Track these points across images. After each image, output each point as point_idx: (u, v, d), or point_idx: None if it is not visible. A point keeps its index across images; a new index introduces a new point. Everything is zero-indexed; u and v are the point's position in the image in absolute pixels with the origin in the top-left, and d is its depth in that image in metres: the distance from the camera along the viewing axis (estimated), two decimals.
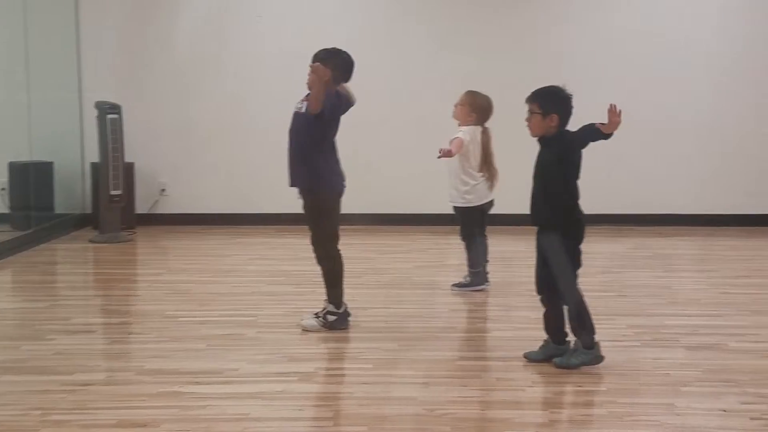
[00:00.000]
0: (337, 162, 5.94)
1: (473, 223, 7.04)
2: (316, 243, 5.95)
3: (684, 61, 10.13)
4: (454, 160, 6.84)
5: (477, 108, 6.93)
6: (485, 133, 6.97)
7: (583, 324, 5.08)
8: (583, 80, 9.92)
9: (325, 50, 5.90)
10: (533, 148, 5.35)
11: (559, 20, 10.19)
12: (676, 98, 10.13)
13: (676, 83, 10.13)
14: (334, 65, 5.80)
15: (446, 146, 6.75)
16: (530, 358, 5.26)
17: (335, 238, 5.96)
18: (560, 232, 5.04)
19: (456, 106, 7.03)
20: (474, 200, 6.97)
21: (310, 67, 5.70)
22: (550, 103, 5.01)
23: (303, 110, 5.83)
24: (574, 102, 5.07)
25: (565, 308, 5.13)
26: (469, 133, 6.86)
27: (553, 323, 5.22)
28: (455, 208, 7.06)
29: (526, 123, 5.12)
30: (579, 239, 5.09)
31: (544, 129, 5.03)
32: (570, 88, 5.09)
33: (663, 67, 10.13)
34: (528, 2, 10.18)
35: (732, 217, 10.15)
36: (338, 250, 5.98)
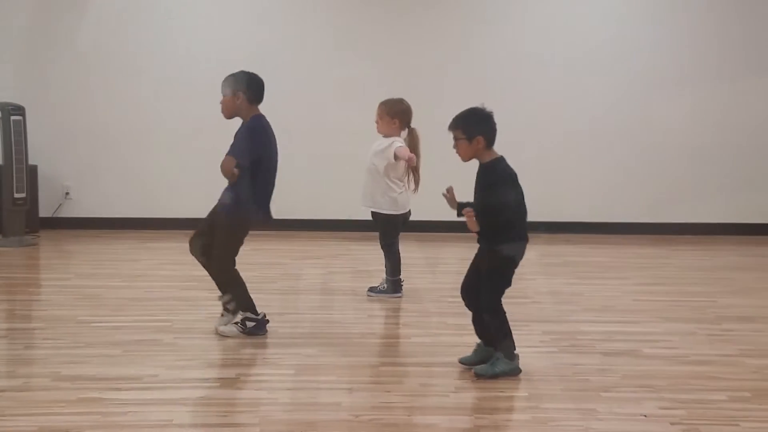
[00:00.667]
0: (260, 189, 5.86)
1: (395, 231, 7.05)
2: (215, 258, 5.88)
3: (591, 71, 10.31)
4: (379, 168, 6.84)
5: (396, 113, 6.90)
6: (412, 134, 6.98)
7: (504, 335, 5.12)
8: (494, 84, 10.17)
9: (233, 75, 5.83)
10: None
11: (473, 25, 10.27)
12: (583, 108, 10.30)
13: (587, 93, 10.30)
14: (246, 87, 5.77)
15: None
16: (465, 362, 5.27)
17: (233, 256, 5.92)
18: (505, 250, 5.06)
19: (376, 122, 6.99)
20: (400, 208, 6.99)
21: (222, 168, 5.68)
22: (472, 125, 5.00)
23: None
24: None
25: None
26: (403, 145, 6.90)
27: (482, 326, 5.24)
28: (377, 215, 7.03)
29: (454, 150, 5.08)
30: (519, 258, 5.12)
31: (473, 152, 5.03)
32: (488, 105, 5.08)
33: (571, 77, 10.30)
34: (444, 6, 10.23)
35: (637, 225, 10.37)
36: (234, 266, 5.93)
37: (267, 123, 5.85)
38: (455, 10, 10.23)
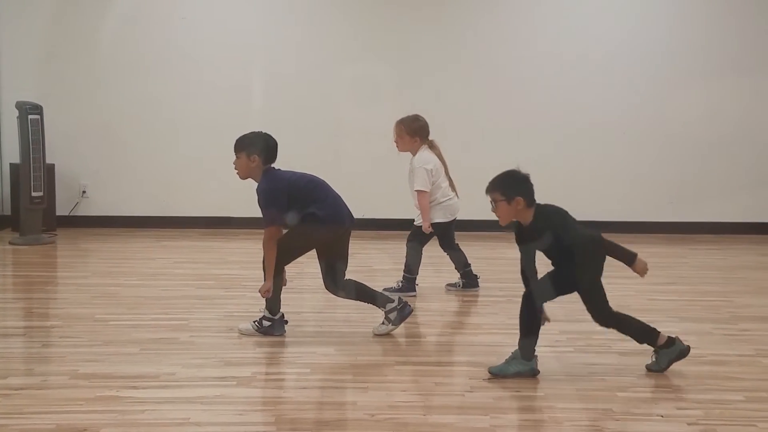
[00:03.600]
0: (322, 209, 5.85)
1: (426, 238, 7.16)
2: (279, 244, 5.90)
3: (606, 70, 10.30)
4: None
5: (414, 131, 7.01)
6: (435, 147, 7.09)
7: (527, 335, 5.14)
8: (509, 84, 10.18)
9: (248, 138, 5.81)
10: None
11: (489, 24, 10.29)
12: (598, 107, 10.30)
13: (602, 92, 10.30)
14: (261, 150, 5.75)
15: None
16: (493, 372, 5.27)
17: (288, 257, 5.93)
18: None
19: (396, 141, 7.07)
20: (446, 214, 7.13)
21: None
22: (511, 188, 4.97)
23: None
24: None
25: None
26: (425, 165, 6.96)
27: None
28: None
29: (492, 212, 5.06)
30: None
31: (513, 213, 5.00)
32: (524, 168, 5.05)
33: (587, 76, 10.29)
34: (458, 5, 10.24)
35: (652, 224, 10.35)
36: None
37: (275, 173, 5.82)
38: (470, 9, 10.22)
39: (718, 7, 10.33)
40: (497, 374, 5.07)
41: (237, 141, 5.80)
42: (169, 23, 10.18)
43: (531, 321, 5.13)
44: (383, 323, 5.97)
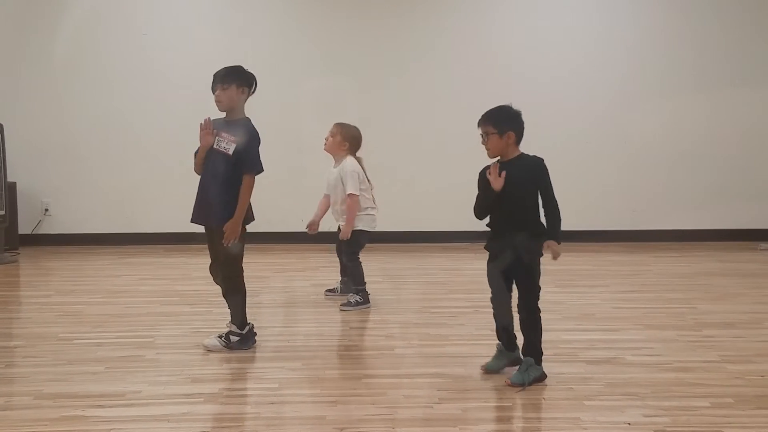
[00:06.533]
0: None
1: (360, 246, 7.22)
2: (226, 264, 5.88)
3: (570, 82, 10.38)
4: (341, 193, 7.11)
5: (348, 138, 7.15)
6: (360, 162, 7.20)
7: (538, 337, 5.17)
8: (472, 101, 10.18)
9: (242, 70, 5.90)
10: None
11: (441, 39, 10.33)
12: (561, 118, 10.36)
13: (567, 102, 10.37)
14: (250, 85, 5.87)
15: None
16: (488, 369, 5.33)
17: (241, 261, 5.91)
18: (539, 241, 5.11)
19: (327, 138, 7.18)
20: (370, 224, 7.20)
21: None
22: (504, 121, 5.11)
23: (230, 152, 5.74)
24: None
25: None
26: (356, 170, 7.09)
27: (509, 332, 5.30)
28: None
29: (483, 145, 5.18)
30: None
31: (502, 148, 5.12)
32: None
33: (551, 88, 10.36)
34: (423, 22, 10.29)
35: (616, 233, 10.42)
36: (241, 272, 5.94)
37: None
38: (431, 26, 10.28)
39: (680, 25, 10.47)
40: (517, 384, 5.06)
41: (230, 72, 5.85)
42: (128, 38, 10.14)
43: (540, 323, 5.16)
44: (220, 337, 5.92)
